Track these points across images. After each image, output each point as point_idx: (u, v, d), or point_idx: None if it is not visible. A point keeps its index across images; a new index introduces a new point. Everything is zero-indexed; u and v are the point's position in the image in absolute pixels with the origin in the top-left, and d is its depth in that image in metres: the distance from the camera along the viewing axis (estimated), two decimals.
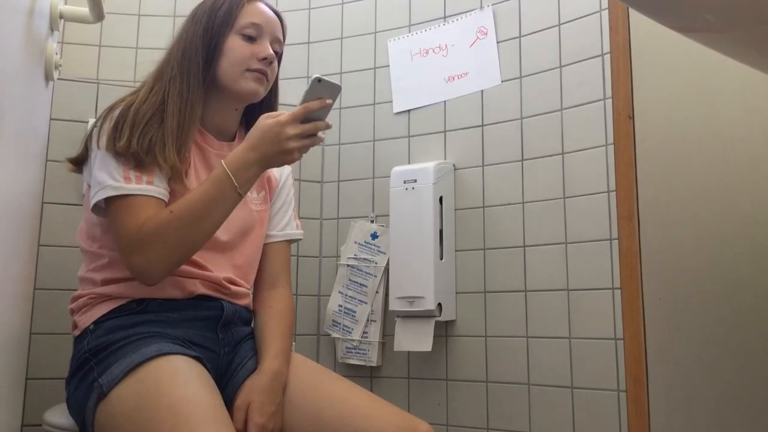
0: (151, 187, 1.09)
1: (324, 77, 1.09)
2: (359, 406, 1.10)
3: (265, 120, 1.10)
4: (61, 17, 1.40)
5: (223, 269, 1.20)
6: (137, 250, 1.06)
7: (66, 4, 1.48)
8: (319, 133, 1.12)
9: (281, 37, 1.27)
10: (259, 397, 1.09)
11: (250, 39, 1.21)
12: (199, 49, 1.19)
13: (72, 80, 1.60)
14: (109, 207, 1.10)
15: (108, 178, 1.08)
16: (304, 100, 1.09)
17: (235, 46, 1.20)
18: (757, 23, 0.73)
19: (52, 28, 1.39)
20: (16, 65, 1.07)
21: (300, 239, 1.37)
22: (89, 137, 1.16)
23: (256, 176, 1.10)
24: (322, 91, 1.09)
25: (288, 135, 1.08)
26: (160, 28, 1.77)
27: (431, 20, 1.70)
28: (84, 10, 1.39)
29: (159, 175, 1.10)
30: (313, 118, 1.10)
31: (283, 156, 1.09)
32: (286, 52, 1.33)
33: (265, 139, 1.08)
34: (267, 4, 1.27)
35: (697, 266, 1.27)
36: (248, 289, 1.27)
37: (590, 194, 1.41)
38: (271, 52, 1.22)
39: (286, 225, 1.34)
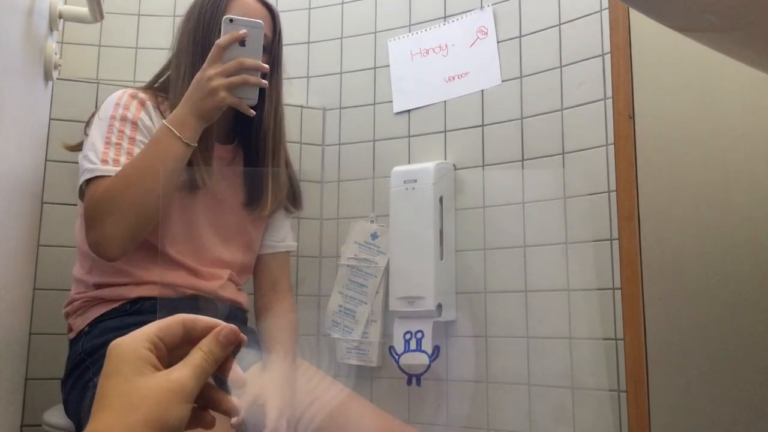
0: (116, 168, 1.08)
1: (236, 17, 1.09)
2: (351, 411, 1.10)
3: None
4: (60, 17, 1.40)
5: (214, 270, 1.20)
6: (92, 224, 1.06)
7: (65, 3, 1.48)
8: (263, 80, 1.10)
9: (268, 31, 1.23)
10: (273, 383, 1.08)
11: None
12: (189, 50, 1.19)
13: (71, 80, 1.59)
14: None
15: (86, 162, 1.10)
16: None
17: None
18: (758, 23, 0.73)
19: (52, 27, 1.39)
20: (16, 65, 1.07)
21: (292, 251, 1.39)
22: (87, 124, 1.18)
23: (197, 127, 1.08)
24: (236, 30, 1.08)
25: (208, 76, 1.06)
26: (159, 28, 1.77)
27: (431, 20, 1.70)
28: (83, 9, 1.39)
29: None
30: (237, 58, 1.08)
31: (209, 98, 1.06)
32: (286, 51, 1.33)
33: (192, 89, 1.08)
34: None
35: (697, 266, 1.26)
36: (241, 289, 1.27)
37: (590, 194, 1.41)
38: None
39: (286, 236, 1.36)
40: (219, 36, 1.10)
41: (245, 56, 1.08)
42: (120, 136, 1.11)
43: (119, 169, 1.07)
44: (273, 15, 1.26)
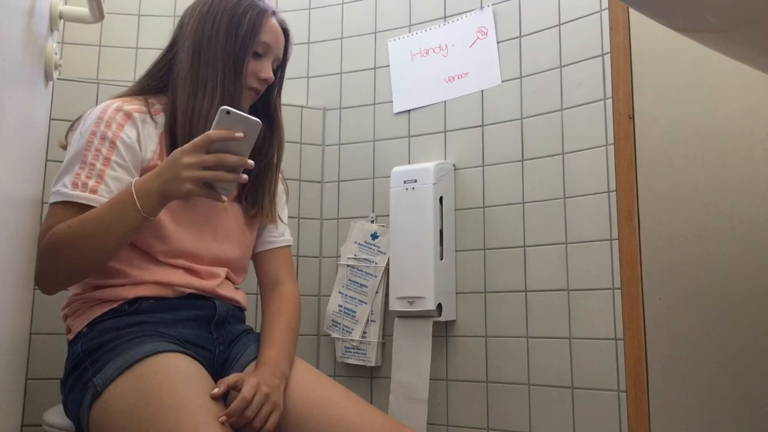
0: (84, 194, 1.08)
1: (234, 110, 1.00)
2: (349, 412, 1.10)
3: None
4: (60, 17, 1.40)
5: (212, 268, 1.20)
6: (40, 256, 1.09)
7: (66, 4, 1.48)
8: (244, 176, 1.03)
9: (281, 56, 1.27)
10: (261, 377, 1.06)
11: (257, 56, 1.21)
12: (219, 56, 1.18)
13: (72, 80, 1.60)
14: None
15: (60, 183, 1.11)
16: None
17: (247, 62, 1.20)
18: (758, 23, 0.73)
19: (52, 28, 1.39)
20: (16, 65, 1.07)
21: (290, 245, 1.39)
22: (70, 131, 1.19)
23: (160, 204, 1.04)
24: (232, 123, 1.00)
25: (184, 163, 1.00)
26: (159, 28, 1.77)
27: (431, 20, 1.70)
28: (84, 10, 1.39)
29: (120, 182, 1.10)
30: (222, 151, 1.00)
31: (176, 185, 1.01)
32: None
33: (165, 165, 1.03)
34: (279, 19, 1.26)
35: (697, 266, 1.26)
36: (238, 288, 1.27)
37: (590, 194, 1.41)
38: (271, 74, 1.23)
39: (284, 231, 1.36)
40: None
41: (234, 149, 1.01)
42: (96, 155, 1.10)
43: (87, 194, 1.08)
44: (288, 39, 1.28)
